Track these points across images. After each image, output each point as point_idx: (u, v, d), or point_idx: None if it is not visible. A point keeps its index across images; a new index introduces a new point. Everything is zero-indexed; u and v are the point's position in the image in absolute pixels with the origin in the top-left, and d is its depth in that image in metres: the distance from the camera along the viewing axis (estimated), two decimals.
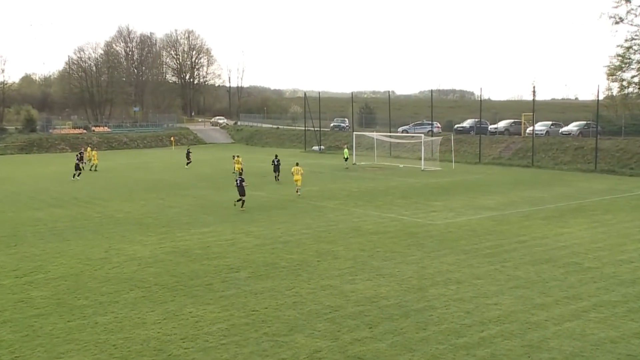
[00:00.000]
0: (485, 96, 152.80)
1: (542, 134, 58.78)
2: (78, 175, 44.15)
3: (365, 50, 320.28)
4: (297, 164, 35.99)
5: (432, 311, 14.32)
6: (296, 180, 34.67)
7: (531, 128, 57.17)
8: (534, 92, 59.43)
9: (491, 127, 66.14)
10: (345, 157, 51.35)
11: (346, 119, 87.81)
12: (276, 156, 43.07)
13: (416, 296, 15.46)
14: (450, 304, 14.84)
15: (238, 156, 45.70)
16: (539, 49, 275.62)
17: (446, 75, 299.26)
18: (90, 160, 54.10)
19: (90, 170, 49.01)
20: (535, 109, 56.07)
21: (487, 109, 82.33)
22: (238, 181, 29.74)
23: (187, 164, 53.29)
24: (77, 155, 51.29)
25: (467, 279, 16.99)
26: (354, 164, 54.90)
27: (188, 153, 54.79)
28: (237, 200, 29.66)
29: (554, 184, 39.45)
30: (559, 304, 14.80)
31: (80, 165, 50.22)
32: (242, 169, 41.18)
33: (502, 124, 66.14)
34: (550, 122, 62.41)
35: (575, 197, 33.20)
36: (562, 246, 21.05)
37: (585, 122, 59.78)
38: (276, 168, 41.84)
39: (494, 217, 26.96)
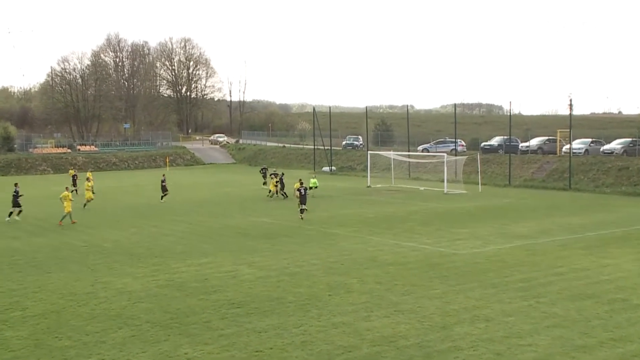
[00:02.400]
0: (515, 111, 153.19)
1: (580, 152, 58.64)
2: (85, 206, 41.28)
3: (381, 60, 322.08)
4: (300, 181, 38.95)
5: (458, 352, 14.20)
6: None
7: (568, 146, 57.08)
8: (570, 105, 59.43)
9: (522, 145, 66.07)
10: (314, 186, 49.65)
11: (360, 137, 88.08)
12: (282, 174, 46.87)
13: (439, 335, 15.35)
14: (478, 344, 14.71)
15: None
16: (577, 58, 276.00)
17: (471, 87, 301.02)
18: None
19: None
20: (573, 124, 56.04)
21: (518, 125, 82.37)
22: (302, 190, 35.86)
23: (264, 183, 54.56)
24: (72, 178, 51.58)
25: (496, 316, 16.86)
26: (368, 186, 54.91)
27: (264, 171, 56.19)
28: (301, 211, 35.49)
29: (595, 210, 39.24)
30: (603, 347, 14.62)
31: (74, 190, 50.46)
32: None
33: (534, 142, 66.07)
34: (590, 140, 62.29)
35: (619, 224, 32.99)
36: (606, 280, 20.87)
37: (630, 139, 59.57)
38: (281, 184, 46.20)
39: (526, 246, 26.82)
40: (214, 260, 24.46)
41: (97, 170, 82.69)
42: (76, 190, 50.65)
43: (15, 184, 37.15)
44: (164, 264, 23.74)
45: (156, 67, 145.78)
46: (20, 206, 36.15)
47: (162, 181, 45.47)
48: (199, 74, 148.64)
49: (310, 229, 31.88)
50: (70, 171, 57.76)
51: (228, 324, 16.41)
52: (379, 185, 55.27)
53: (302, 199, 35.83)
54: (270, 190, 47.19)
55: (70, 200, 34.89)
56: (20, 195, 36.41)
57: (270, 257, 24.79)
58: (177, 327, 16.21)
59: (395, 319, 16.62)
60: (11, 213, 35.86)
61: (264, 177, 55.41)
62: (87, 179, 41.85)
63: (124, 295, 19.38)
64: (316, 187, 48.34)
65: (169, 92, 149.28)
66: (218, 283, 20.71)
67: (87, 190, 41.46)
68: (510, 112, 64.82)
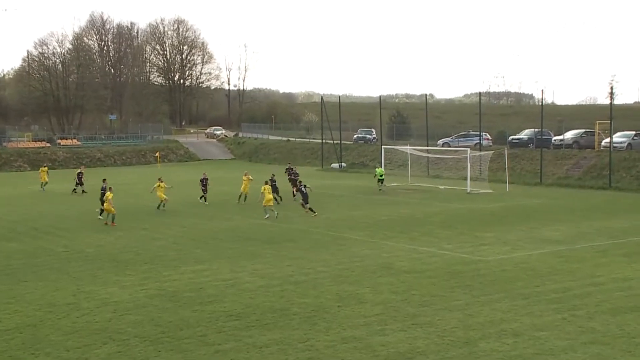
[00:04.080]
0: (547, 100, 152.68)
1: (622, 147, 58.37)
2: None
3: (397, 44, 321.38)
4: (266, 183, 38.19)
5: None
6: (268, 201, 36.49)
7: (608, 140, 56.84)
8: (611, 93, 59.42)
9: (555, 138, 65.86)
10: (380, 176, 50.41)
11: (373, 130, 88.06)
12: (273, 175, 44.32)
13: (462, 352, 15.32)
14: None
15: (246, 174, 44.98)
16: (619, 38, 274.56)
17: (497, 74, 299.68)
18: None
19: (159, 208, 40.75)
20: (614, 115, 55.74)
21: (551, 116, 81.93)
22: (303, 188, 37.73)
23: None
24: (77, 176, 51.28)
25: (526, 330, 16.81)
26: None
27: (290, 171, 50.30)
28: (309, 208, 37.26)
29: (639, 211, 39.08)
30: None
31: (78, 189, 50.34)
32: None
33: (569, 135, 65.88)
34: (634, 132, 61.93)
35: None
36: None
37: None
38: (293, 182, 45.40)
39: (560, 252, 26.74)
40: (210, 267, 24.48)
41: (80, 166, 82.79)
42: (83, 189, 50.50)
43: (104, 180, 38.96)
44: (154, 272, 23.77)
45: (145, 51, 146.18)
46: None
47: (204, 179, 43.98)
48: (193, 60, 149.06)
49: (317, 233, 31.88)
50: (42, 168, 57.28)
51: (226, 338, 16.42)
52: (394, 184, 55.19)
53: (305, 198, 37.55)
54: (243, 194, 43.20)
55: (110, 202, 35.05)
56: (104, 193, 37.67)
57: (273, 264, 24.80)
58: (169, 342, 16.22)
59: (412, 333, 16.59)
60: (102, 211, 37.05)
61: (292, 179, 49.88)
62: (159, 179, 41.43)
63: (109, 306, 19.40)
64: (382, 178, 50.24)
65: (160, 79, 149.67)
66: (214, 293, 20.73)
67: (161, 189, 40.57)
68: (542, 102, 64.65)
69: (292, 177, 46.19)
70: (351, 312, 18.49)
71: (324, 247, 28.11)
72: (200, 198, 43.93)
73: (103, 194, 37.00)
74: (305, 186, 38.38)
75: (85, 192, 49.82)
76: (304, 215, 36.99)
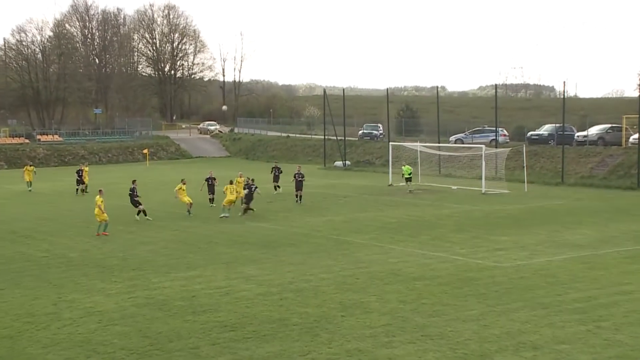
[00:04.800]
0: (570, 92, 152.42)
1: None
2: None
3: (406, 32, 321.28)
4: (231, 182, 38.98)
5: None
6: (228, 201, 37.76)
7: (636, 136, 56.78)
8: None
9: (578, 134, 65.86)
10: (408, 174, 50.45)
11: (380, 125, 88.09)
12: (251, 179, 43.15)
13: None
14: None
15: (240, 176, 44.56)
16: None
17: (515, 65, 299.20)
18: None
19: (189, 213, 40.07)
20: None
21: (573, 110, 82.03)
22: (252, 188, 38.47)
23: (277, 187, 50.93)
24: (77, 174, 51.24)
25: (547, 343, 16.80)
26: (390, 185, 54.87)
27: (276, 171, 51.89)
28: (244, 209, 38.25)
29: None
30: None
31: (81, 188, 50.19)
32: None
33: (594, 131, 65.85)
34: None
35: None
36: None
37: None
38: (276, 178, 50.29)
39: (584, 258, 26.73)
40: (203, 273, 24.48)
41: (62, 164, 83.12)
42: (83, 188, 50.45)
43: (133, 181, 38.68)
44: (143, 278, 23.78)
45: (133, 40, 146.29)
46: (138, 205, 37.70)
47: (209, 179, 43.12)
48: (185, 49, 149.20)
49: (319, 237, 31.89)
50: (27, 167, 56.74)
51: (220, 350, 16.42)
52: (402, 184, 55.19)
53: (247, 197, 38.55)
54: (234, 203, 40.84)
55: (101, 208, 32.77)
56: (138, 196, 37.99)
57: (272, 271, 24.81)
58: (158, 354, 16.23)
59: (422, 346, 16.59)
60: (140, 212, 37.66)
61: (276, 178, 51.15)
62: (182, 181, 40.06)
63: (94, 316, 19.40)
64: (410, 176, 50.91)
65: (149, 70, 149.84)
66: (208, 301, 20.73)
67: (183, 191, 39.68)
68: (563, 95, 64.52)
69: (298, 178, 45.26)
70: (356, 323, 18.48)
71: (327, 252, 28.12)
72: (210, 201, 43.12)
73: (134, 198, 37.29)
74: (256, 187, 39.03)
75: (87, 192, 49.57)
76: (304, 218, 36.99)
